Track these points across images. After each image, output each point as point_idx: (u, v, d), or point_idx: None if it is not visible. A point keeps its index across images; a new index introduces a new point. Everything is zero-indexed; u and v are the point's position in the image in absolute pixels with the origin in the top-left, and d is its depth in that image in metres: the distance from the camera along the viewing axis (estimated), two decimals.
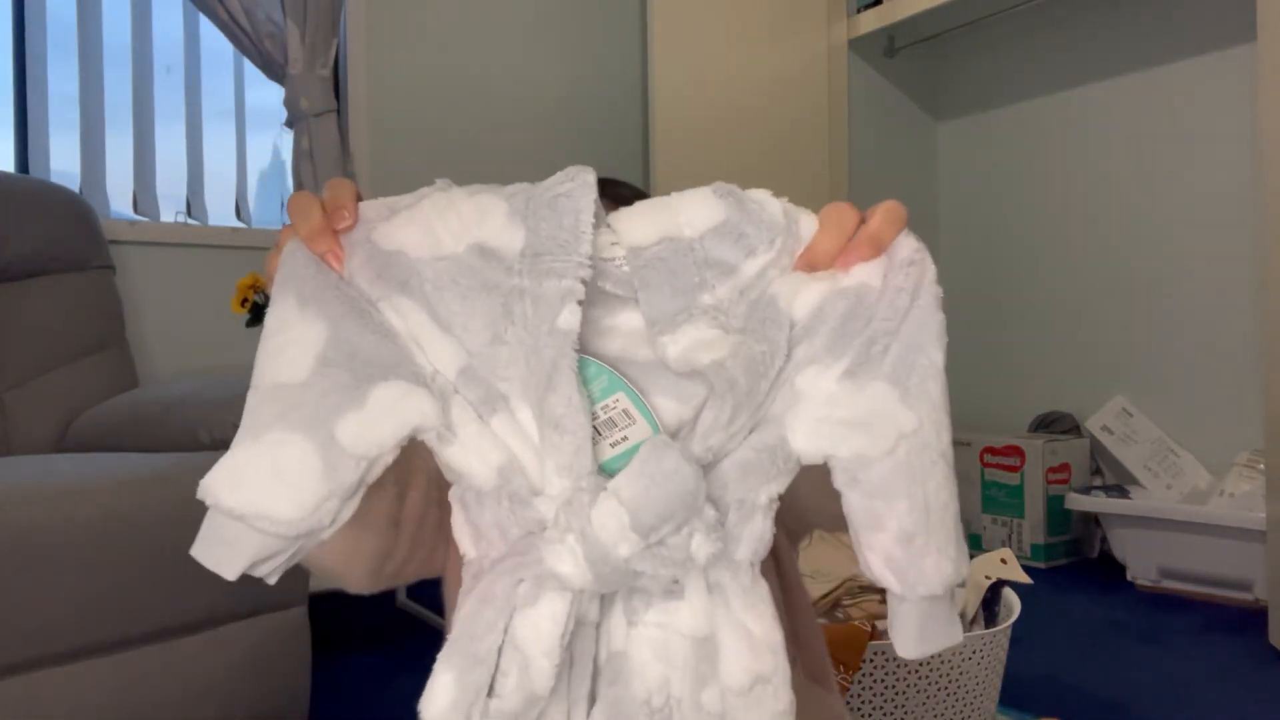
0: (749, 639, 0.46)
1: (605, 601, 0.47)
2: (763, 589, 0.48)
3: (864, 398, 0.47)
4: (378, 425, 0.46)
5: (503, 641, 0.45)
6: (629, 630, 0.47)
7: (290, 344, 0.47)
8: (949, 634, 0.48)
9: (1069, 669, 1.81)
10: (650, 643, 0.46)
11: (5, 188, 1.77)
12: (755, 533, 0.47)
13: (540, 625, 0.45)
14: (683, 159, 2.71)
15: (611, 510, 0.45)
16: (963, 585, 1.42)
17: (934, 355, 0.47)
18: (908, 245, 0.49)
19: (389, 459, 0.47)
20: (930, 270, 0.49)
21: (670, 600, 0.46)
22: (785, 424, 0.47)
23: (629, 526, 0.45)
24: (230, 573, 0.45)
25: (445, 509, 0.50)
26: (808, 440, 0.47)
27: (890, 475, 0.46)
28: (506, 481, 0.47)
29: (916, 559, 0.46)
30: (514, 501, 0.46)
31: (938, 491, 0.46)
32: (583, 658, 0.47)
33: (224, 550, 0.45)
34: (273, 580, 0.46)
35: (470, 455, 0.47)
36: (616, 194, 0.94)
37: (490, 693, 0.44)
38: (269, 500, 0.44)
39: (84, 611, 1.18)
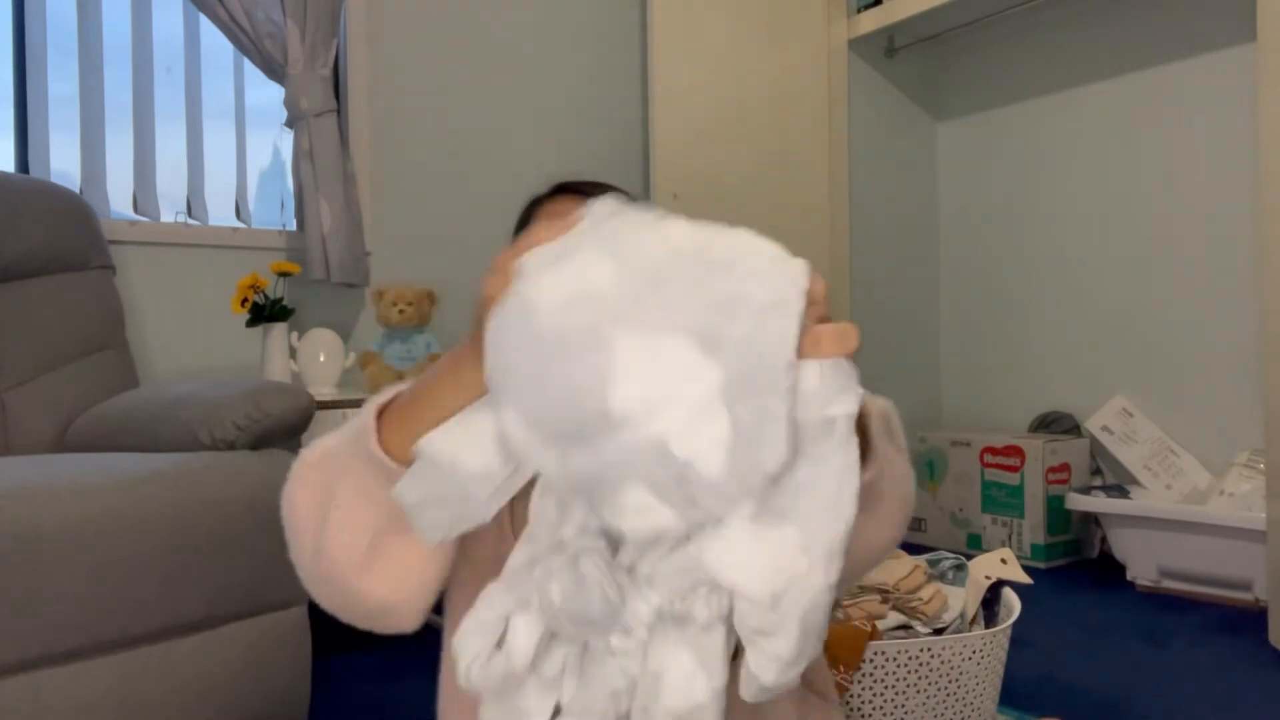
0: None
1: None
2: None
3: (769, 544, 0.47)
4: None
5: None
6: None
7: None
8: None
9: (1069, 669, 1.81)
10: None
11: (5, 188, 1.77)
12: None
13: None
14: (683, 159, 2.70)
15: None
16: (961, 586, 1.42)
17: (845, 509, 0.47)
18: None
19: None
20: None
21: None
22: (702, 550, 0.48)
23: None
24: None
25: None
26: (719, 569, 0.48)
27: (782, 616, 0.48)
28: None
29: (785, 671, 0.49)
30: None
31: (818, 621, 0.49)
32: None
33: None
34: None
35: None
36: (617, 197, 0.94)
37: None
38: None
39: (84, 611, 1.18)
